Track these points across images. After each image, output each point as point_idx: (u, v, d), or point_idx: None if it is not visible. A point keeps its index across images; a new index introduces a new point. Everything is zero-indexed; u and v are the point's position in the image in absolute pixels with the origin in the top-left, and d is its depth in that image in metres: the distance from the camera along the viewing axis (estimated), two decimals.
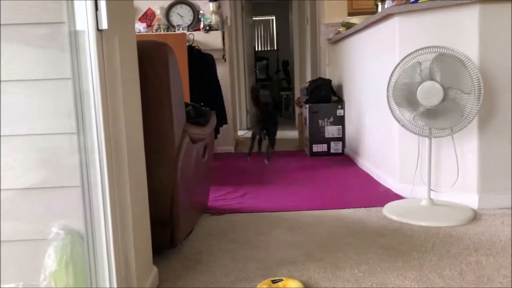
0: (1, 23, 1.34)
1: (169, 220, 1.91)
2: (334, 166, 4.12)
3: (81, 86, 1.42)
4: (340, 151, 4.63)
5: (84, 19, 1.36)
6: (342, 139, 4.61)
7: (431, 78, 2.41)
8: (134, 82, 1.62)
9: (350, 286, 1.70)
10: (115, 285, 1.45)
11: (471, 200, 2.66)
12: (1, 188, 1.44)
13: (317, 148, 4.61)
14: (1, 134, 1.40)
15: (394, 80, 2.52)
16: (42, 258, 1.43)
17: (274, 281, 1.68)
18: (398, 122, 2.59)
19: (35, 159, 1.45)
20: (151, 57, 1.80)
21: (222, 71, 4.84)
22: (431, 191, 2.64)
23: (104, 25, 1.37)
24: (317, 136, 4.59)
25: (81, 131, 1.44)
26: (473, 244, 2.09)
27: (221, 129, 4.64)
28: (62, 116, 1.46)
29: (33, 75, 1.40)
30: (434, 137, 2.54)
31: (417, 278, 1.76)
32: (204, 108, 2.48)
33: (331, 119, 4.56)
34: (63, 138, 1.48)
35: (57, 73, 1.43)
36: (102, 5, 1.36)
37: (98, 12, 1.36)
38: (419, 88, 2.42)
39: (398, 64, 2.52)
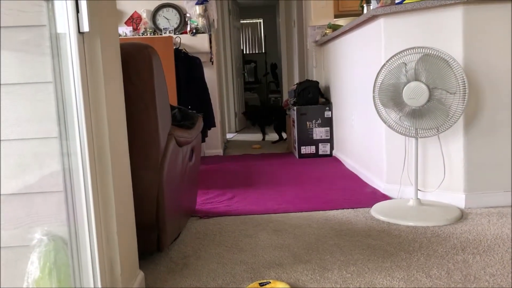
0: None
1: (155, 224, 1.89)
2: (322, 168, 4.12)
3: (63, 90, 1.40)
4: (328, 152, 4.64)
5: (65, 22, 1.34)
6: (330, 140, 4.62)
7: (417, 78, 2.42)
8: (117, 85, 1.60)
9: (338, 287, 1.70)
10: None
11: (458, 199, 2.67)
12: None
13: (305, 150, 4.62)
14: None
15: (380, 81, 2.53)
16: (25, 265, 1.41)
17: (261, 284, 1.67)
18: (384, 122, 2.59)
19: (16, 164, 1.43)
20: (134, 59, 1.78)
21: (210, 74, 4.82)
22: (418, 191, 2.65)
23: (86, 27, 1.35)
24: (305, 138, 4.60)
25: (64, 135, 1.42)
26: (460, 243, 2.10)
27: (209, 132, 4.63)
28: (44, 121, 1.43)
29: (13, 79, 1.38)
30: (420, 137, 2.55)
31: (405, 278, 1.76)
32: (190, 111, 2.46)
33: (319, 121, 4.57)
34: (45, 142, 1.46)
35: (38, 77, 1.41)
36: (83, 6, 1.34)
37: (79, 14, 1.35)
38: (404, 88, 2.43)
39: (384, 65, 2.53)
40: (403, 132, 2.56)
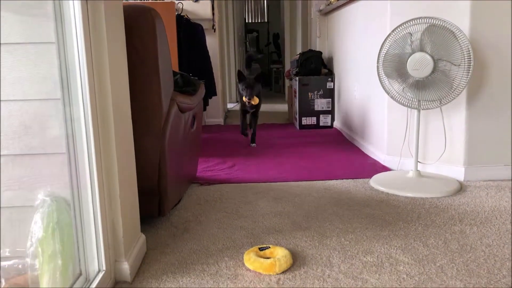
0: None
1: (157, 189, 1.90)
2: (322, 139, 4.13)
3: (66, 52, 1.39)
4: (329, 124, 4.64)
5: None
6: (331, 112, 4.61)
7: (422, 49, 2.39)
8: (120, 49, 1.58)
9: (337, 253, 1.72)
10: (102, 251, 1.45)
11: (457, 172, 2.69)
12: None
13: (306, 121, 4.61)
14: None
15: (385, 51, 2.50)
16: (28, 225, 1.43)
17: (261, 249, 1.69)
18: (387, 93, 2.58)
19: (19, 125, 1.42)
20: (137, 23, 1.76)
21: (211, 42, 4.77)
22: (418, 163, 2.67)
23: None
24: (307, 108, 4.59)
25: (66, 97, 1.42)
26: (458, 215, 2.12)
27: (210, 101, 4.61)
28: (47, 82, 1.43)
29: (15, 38, 1.36)
30: (423, 109, 2.54)
31: (402, 247, 1.78)
32: (192, 77, 2.44)
33: (321, 92, 4.55)
34: (48, 104, 1.46)
35: (40, 37, 1.40)
36: None
37: None
38: (409, 59, 2.40)
39: (389, 34, 2.50)
40: (406, 103, 2.55)
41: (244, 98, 3.53)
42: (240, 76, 3.55)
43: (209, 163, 3.21)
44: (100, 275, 1.43)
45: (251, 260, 1.62)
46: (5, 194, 1.48)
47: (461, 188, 2.53)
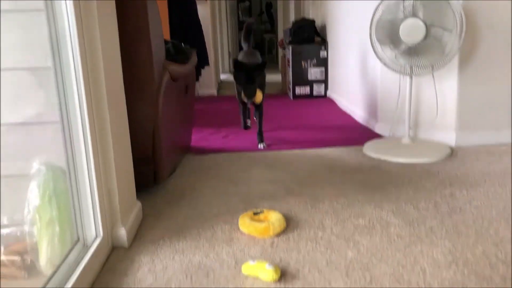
0: None
1: (152, 158, 1.92)
2: (316, 108, 4.14)
3: (56, 22, 1.37)
4: (322, 93, 4.64)
5: None
6: (325, 81, 4.61)
7: (414, 15, 2.39)
8: (111, 18, 1.57)
9: (329, 217, 1.76)
10: (99, 218, 1.48)
11: (449, 137, 2.72)
12: None
13: (299, 90, 4.61)
14: None
15: (377, 17, 2.49)
16: (25, 193, 1.44)
17: (255, 213, 1.73)
18: (380, 60, 2.58)
19: (11, 94, 1.42)
20: None
21: (203, 11, 4.71)
22: (410, 130, 2.69)
23: None
24: (300, 77, 4.58)
25: (58, 67, 1.41)
26: (448, 179, 2.16)
27: (203, 72, 4.59)
28: (37, 50, 1.42)
29: (3, 6, 1.35)
30: (415, 75, 2.55)
31: (393, 210, 1.82)
32: (184, 46, 2.43)
33: (314, 61, 4.54)
34: (39, 73, 1.45)
35: (30, 5, 1.38)
36: None
37: None
38: (401, 25, 2.40)
39: (382, 0, 2.48)
40: (398, 70, 2.55)
41: (243, 97, 2.70)
42: (237, 66, 2.61)
43: (203, 133, 3.22)
44: (98, 240, 1.46)
45: (245, 224, 1.65)
46: (1, 164, 1.49)
47: (452, 153, 2.57)
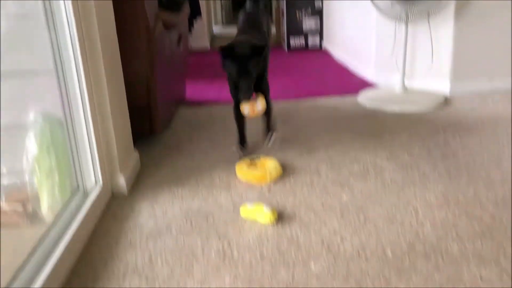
0: None
1: (147, 107, 1.92)
2: (311, 60, 4.10)
3: None
4: (318, 45, 4.59)
5: None
6: (320, 32, 4.55)
7: None
8: None
9: (325, 164, 1.79)
10: (98, 166, 1.50)
11: (444, 86, 2.72)
12: None
13: (294, 41, 4.56)
14: None
15: None
16: (22, 144, 1.45)
17: (252, 160, 1.75)
18: (376, 7, 2.54)
19: (4, 44, 1.40)
20: None
21: None
22: (405, 79, 2.69)
23: None
24: (295, 28, 4.51)
25: (50, 18, 1.39)
26: (442, 126, 2.19)
27: (196, 25, 4.50)
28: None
29: None
30: (411, 22, 2.52)
31: (388, 156, 1.85)
32: None
33: (309, 11, 4.45)
34: (33, 23, 1.43)
35: None
36: None
37: None
38: None
39: None
40: (394, 16, 2.52)
41: (242, 106, 1.83)
42: (225, 52, 1.74)
43: (197, 86, 3.20)
44: (97, 188, 1.48)
45: (243, 171, 1.68)
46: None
47: (446, 101, 2.58)
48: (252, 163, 1.74)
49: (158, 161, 1.88)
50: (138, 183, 1.69)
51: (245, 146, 1.95)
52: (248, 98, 1.71)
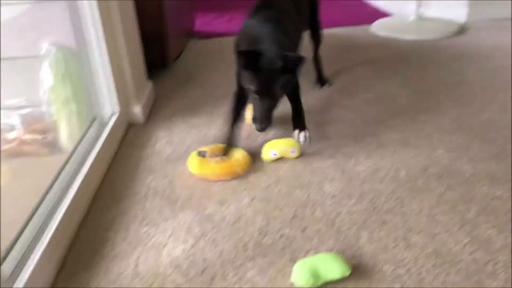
0: None
1: (158, 37, 1.90)
2: None
3: None
4: None
5: None
6: None
7: None
8: None
9: (337, 92, 1.79)
10: (114, 95, 1.51)
11: (459, 14, 2.64)
12: None
13: None
14: None
15: None
16: (38, 74, 1.46)
17: (200, 153, 1.34)
18: None
19: None
20: None
21: None
22: (420, 7, 2.61)
23: None
24: None
25: None
26: (457, 54, 2.15)
27: None
28: None
29: None
30: None
31: (402, 84, 1.84)
32: None
33: None
34: None
35: None
36: None
37: None
38: None
39: None
40: None
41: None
42: (246, 63, 1.31)
43: (206, 18, 3.14)
44: (114, 117, 1.51)
45: (201, 164, 1.29)
46: (12, 45, 1.49)
47: (462, 29, 2.51)
48: (215, 154, 1.34)
49: (172, 92, 1.89)
50: (153, 113, 1.70)
51: (231, 147, 1.37)
52: (265, 128, 1.28)
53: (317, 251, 1.00)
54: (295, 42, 1.51)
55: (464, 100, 1.67)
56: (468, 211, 1.09)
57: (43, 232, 0.99)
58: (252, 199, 1.18)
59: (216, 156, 1.32)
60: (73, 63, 1.49)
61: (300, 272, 0.90)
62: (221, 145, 1.35)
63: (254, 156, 1.37)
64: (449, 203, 1.13)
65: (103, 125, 1.50)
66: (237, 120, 1.43)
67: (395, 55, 2.17)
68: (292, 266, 0.94)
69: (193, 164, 1.31)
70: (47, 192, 1.12)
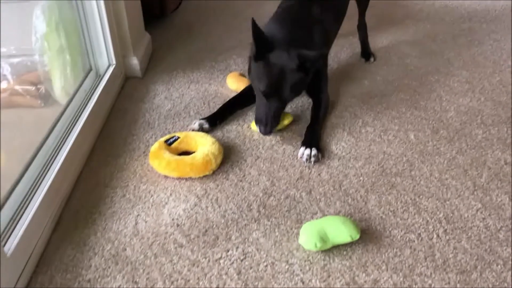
0: None
1: None
2: None
3: None
4: None
5: None
6: None
7: None
8: None
9: (343, 50, 1.71)
10: (110, 46, 1.43)
11: None
12: None
13: None
14: None
15: None
16: (30, 21, 1.37)
17: (168, 142, 1.15)
18: None
19: None
20: None
21: None
22: None
23: None
24: None
25: None
26: (468, 13, 2.06)
27: None
28: None
29: None
30: None
31: (411, 42, 1.76)
32: None
33: None
34: None
35: None
36: None
37: None
38: None
39: None
40: None
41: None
42: (259, 54, 1.17)
43: None
44: (111, 69, 1.43)
45: (167, 159, 1.08)
46: None
47: None
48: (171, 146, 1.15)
49: (171, 44, 1.80)
50: (151, 66, 1.63)
51: (215, 124, 1.26)
52: (270, 132, 1.17)
53: (323, 213, 0.96)
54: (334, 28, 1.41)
55: (476, 61, 1.61)
56: (479, 176, 1.06)
57: (37, 188, 0.95)
58: (256, 159, 1.14)
59: (181, 151, 1.14)
60: (67, 10, 1.40)
61: (307, 235, 0.86)
62: (193, 138, 1.16)
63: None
64: (460, 167, 1.09)
65: (99, 77, 1.43)
66: (234, 103, 1.32)
67: (404, 13, 2.08)
68: (298, 228, 0.91)
69: (153, 155, 1.10)
70: (41, 146, 1.07)
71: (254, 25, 1.15)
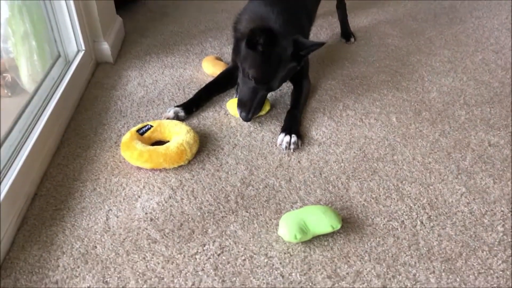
0: None
1: None
2: None
3: None
4: None
5: None
6: None
7: None
8: None
9: (324, 29, 1.67)
10: (78, 31, 1.35)
11: None
12: None
13: None
14: None
15: None
16: None
17: (140, 131, 1.09)
18: None
19: None
20: None
21: None
22: None
23: None
24: None
25: None
26: None
27: None
28: None
29: None
30: None
31: (391, 21, 1.73)
32: None
33: None
34: None
35: None
36: None
37: None
38: None
39: None
40: None
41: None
42: (253, 42, 1.09)
43: None
44: (80, 55, 1.36)
45: (138, 149, 1.02)
46: None
47: None
48: (143, 136, 1.09)
49: (144, 28, 1.73)
50: (123, 51, 1.56)
51: (191, 112, 1.20)
52: (250, 118, 1.12)
53: (304, 203, 0.92)
54: (310, 15, 1.33)
55: (458, 39, 1.58)
56: (463, 159, 1.03)
57: None
58: (234, 147, 1.09)
59: (154, 140, 1.09)
60: None
61: (286, 227, 0.83)
62: (167, 127, 1.10)
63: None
64: (444, 150, 1.06)
65: (68, 63, 1.36)
66: (211, 88, 1.26)
67: None
68: (278, 219, 0.88)
69: (125, 146, 1.04)
70: (6, 137, 1.00)
71: (257, 26, 1.11)
